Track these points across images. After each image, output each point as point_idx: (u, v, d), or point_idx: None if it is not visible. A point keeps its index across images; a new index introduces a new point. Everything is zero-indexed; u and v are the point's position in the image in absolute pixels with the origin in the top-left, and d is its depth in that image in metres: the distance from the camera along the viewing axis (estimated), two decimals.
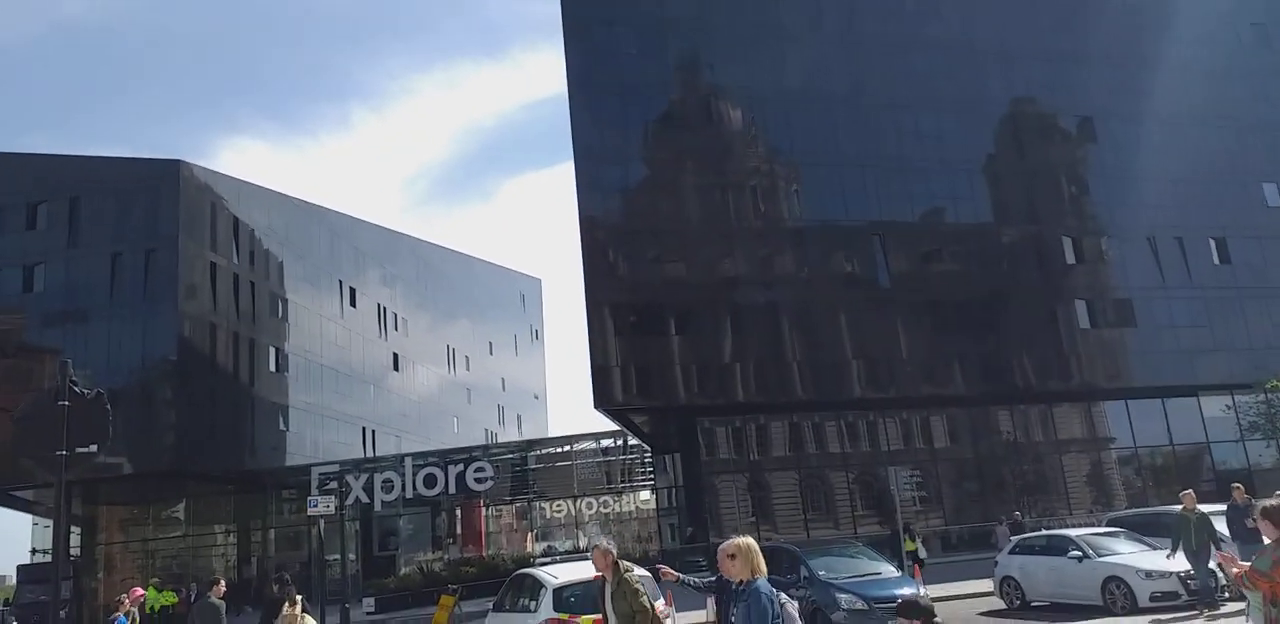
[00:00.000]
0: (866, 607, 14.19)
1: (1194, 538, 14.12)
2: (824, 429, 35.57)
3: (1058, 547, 16.50)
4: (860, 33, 37.93)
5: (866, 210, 36.17)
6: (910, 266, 36.59)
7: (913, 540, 26.33)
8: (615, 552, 7.56)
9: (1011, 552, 17.68)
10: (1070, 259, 38.18)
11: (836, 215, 36.00)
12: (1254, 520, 14.13)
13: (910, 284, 35.98)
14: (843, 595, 14.51)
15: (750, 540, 5.91)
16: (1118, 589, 14.83)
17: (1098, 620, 14.25)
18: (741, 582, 5.76)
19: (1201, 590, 14.01)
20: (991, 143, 38.97)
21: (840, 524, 34.13)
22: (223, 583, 14.85)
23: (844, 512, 34.59)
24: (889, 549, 24.74)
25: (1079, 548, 15.88)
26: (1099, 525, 19.98)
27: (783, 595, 6.04)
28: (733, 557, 5.82)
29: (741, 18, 36.92)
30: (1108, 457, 37.89)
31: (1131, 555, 15.43)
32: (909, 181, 36.76)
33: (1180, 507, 14.82)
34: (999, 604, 17.34)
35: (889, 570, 15.75)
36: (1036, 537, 18.38)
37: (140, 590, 18.24)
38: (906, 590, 14.67)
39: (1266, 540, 5.67)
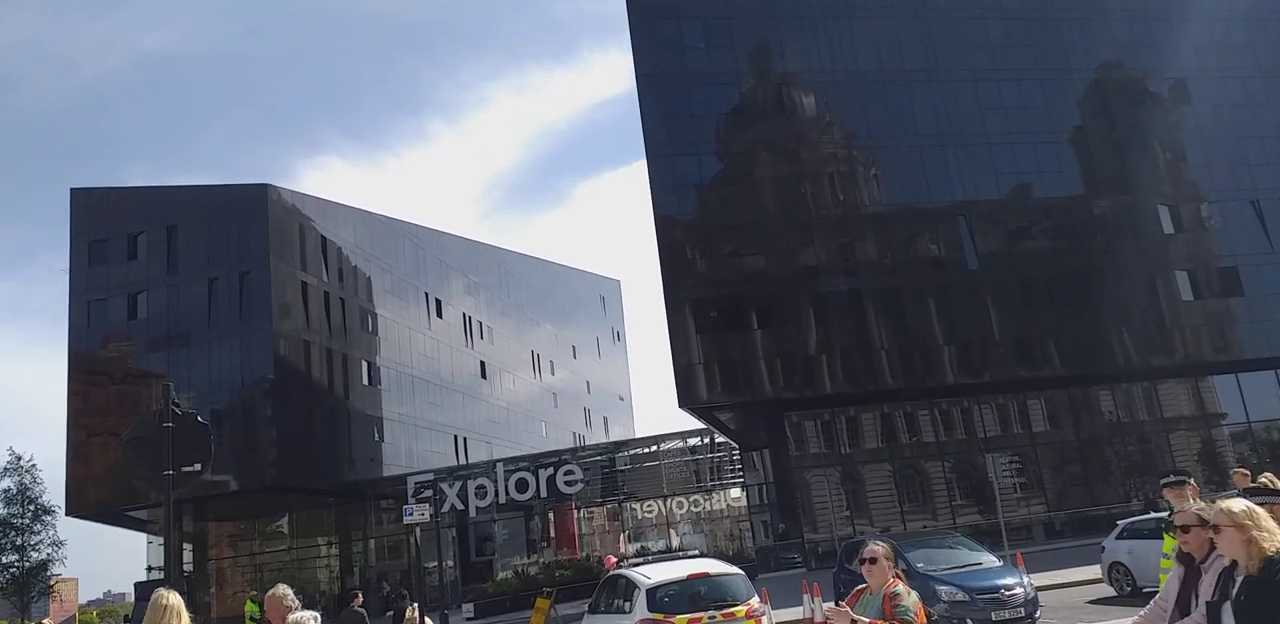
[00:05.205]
0: (968, 598, 13.70)
1: None
2: (917, 418, 34.61)
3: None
4: (933, 5, 36.76)
5: (950, 190, 35.14)
6: (998, 246, 35.36)
7: None
8: None
9: (1119, 536, 16.81)
10: (1168, 228, 36.41)
11: (918, 197, 35.07)
12: None
13: (999, 264, 34.80)
14: (942, 587, 14.00)
15: (280, 590, 6.29)
16: None
17: None
18: None
19: None
20: (1078, 112, 37.39)
21: (938, 515, 33.18)
22: (360, 596, 15.93)
23: (941, 502, 33.62)
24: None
25: None
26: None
27: None
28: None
29: (809, 0, 36.16)
30: (1219, 433, 35.98)
31: None
32: (993, 157, 35.59)
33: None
34: (1108, 591, 16.65)
35: (990, 560, 15.13)
36: (1146, 519, 17.42)
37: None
38: (1009, 580, 14.06)
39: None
